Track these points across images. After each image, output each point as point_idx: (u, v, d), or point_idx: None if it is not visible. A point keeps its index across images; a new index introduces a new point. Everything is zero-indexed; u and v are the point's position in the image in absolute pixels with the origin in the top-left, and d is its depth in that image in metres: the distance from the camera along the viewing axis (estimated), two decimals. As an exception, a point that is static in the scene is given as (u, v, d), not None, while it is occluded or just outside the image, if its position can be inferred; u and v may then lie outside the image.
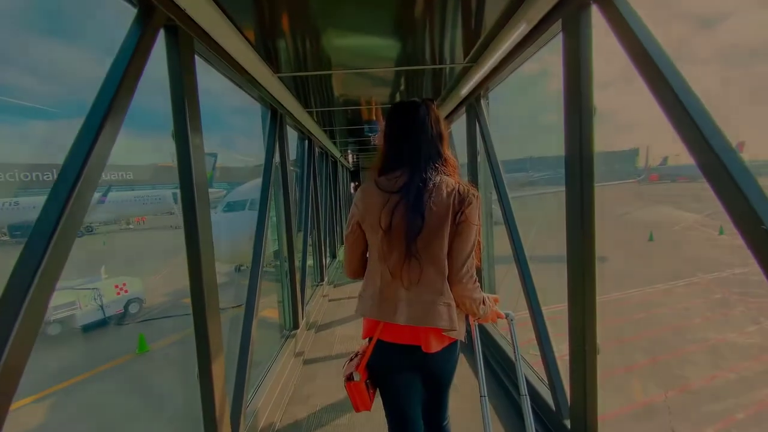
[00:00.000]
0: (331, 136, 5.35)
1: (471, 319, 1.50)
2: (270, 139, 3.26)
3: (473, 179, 3.49)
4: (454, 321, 1.30)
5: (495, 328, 3.48)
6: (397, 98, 3.69)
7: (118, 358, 8.60)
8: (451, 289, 1.31)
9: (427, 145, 1.35)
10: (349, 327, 4.61)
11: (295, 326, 3.76)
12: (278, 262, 3.79)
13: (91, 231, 29.71)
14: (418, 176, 1.30)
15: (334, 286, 6.48)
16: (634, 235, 17.86)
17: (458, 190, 1.29)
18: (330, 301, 5.63)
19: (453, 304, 1.31)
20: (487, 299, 1.42)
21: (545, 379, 2.30)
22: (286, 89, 3.01)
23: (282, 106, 3.32)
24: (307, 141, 4.54)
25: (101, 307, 10.66)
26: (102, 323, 10.48)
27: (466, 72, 2.79)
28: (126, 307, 11.03)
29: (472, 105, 3.36)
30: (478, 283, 1.34)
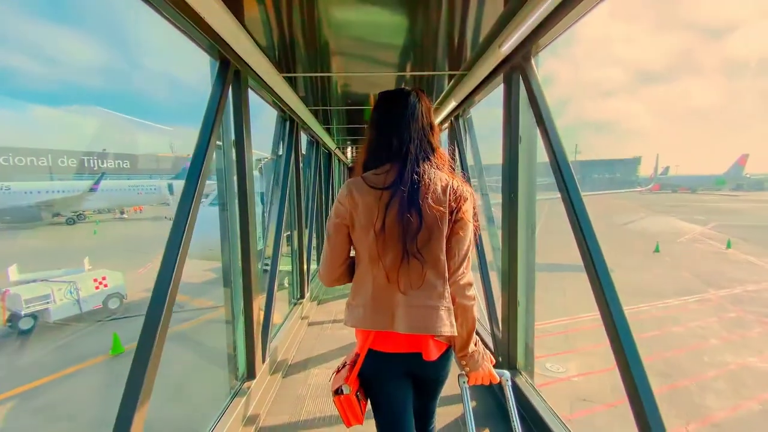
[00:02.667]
0: (326, 122, 4.66)
1: (463, 366, 1.32)
2: (285, 142, 3.50)
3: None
4: (455, 326, 1.23)
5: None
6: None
7: (89, 359, 8.01)
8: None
9: (419, 135, 1.26)
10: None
11: (250, 376, 2.41)
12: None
13: (83, 219, 29.26)
14: (410, 169, 1.20)
15: (318, 303, 5.04)
16: (639, 245, 17.41)
17: (453, 186, 1.21)
18: (310, 325, 4.15)
19: (452, 307, 1.23)
20: (481, 347, 1.32)
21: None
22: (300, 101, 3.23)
23: (297, 114, 3.48)
24: (288, 122, 3.57)
25: (77, 301, 10.06)
26: (78, 319, 9.87)
27: (455, 83, 2.88)
28: (105, 302, 10.44)
29: (452, 123, 3.67)
30: (474, 290, 1.27)
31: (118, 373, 7.41)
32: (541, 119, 1.76)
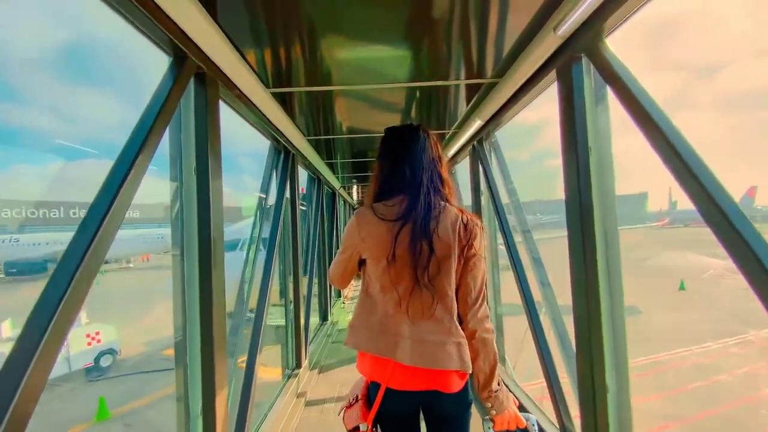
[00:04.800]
0: (328, 155, 4.12)
1: (488, 409, 1.24)
2: (278, 177, 3.05)
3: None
4: (466, 361, 1.18)
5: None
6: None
7: (70, 427, 7.20)
8: (464, 327, 1.22)
9: (429, 166, 1.28)
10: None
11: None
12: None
13: (88, 269, 28.94)
14: (421, 200, 1.21)
15: (320, 372, 3.89)
16: (661, 283, 16.50)
17: (462, 221, 1.22)
18: (308, 405, 3.20)
19: (464, 342, 1.20)
20: (504, 386, 1.27)
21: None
22: (294, 126, 2.76)
23: (293, 145, 3.04)
24: (283, 154, 3.11)
25: (67, 359, 9.40)
26: (66, 378, 9.16)
27: (482, 94, 2.40)
28: (97, 360, 9.75)
29: (476, 148, 3.13)
30: (492, 323, 1.26)
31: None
32: (644, 112, 1.22)
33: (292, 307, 3.25)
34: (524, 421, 1.26)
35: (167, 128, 1.35)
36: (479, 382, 1.23)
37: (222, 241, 1.63)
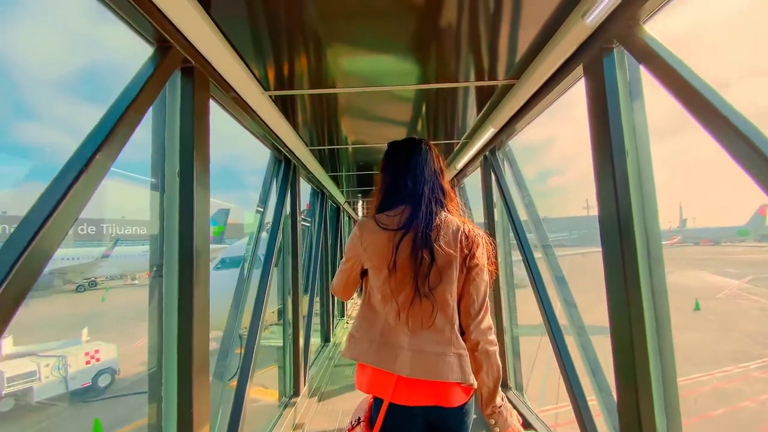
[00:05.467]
0: (333, 168, 3.91)
1: (492, 426, 1.23)
2: (278, 189, 2.85)
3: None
4: (468, 373, 1.15)
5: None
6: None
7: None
8: (466, 339, 1.20)
9: (431, 178, 1.30)
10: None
11: None
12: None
13: (94, 286, 28.95)
14: (422, 210, 1.22)
15: (320, 400, 3.55)
16: (675, 303, 15.90)
17: (464, 231, 1.22)
18: None
19: (465, 354, 1.17)
20: (507, 401, 1.25)
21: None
22: (295, 134, 2.60)
23: (294, 155, 2.88)
24: (283, 164, 2.95)
25: (64, 378, 9.15)
26: (63, 398, 8.90)
27: (496, 99, 2.21)
28: (95, 379, 9.48)
29: (488, 158, 2.93)
30: (495, 335, 1.23)
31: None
32: (707, 104, 1.03)
33: (290, 327, 3.01)
34: None
35: (139, 126, 1.18)
36: (482, 397, 1.21)
37: (207, 254, 1.43)
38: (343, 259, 1.32)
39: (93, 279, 28.93)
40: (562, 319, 2.12)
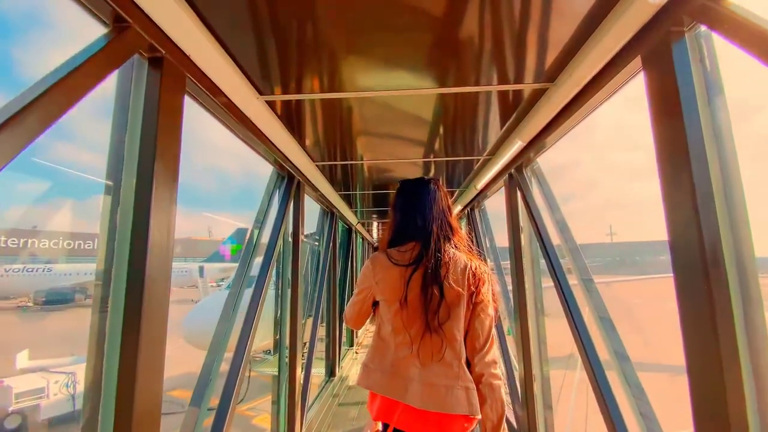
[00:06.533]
0: (345, 186, 3.64)
1: None
2: (278, 205, 2.62)
3: (516, 263, 2.79)
4: (474, 405, 1.19)
5: None
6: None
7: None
8: (471, 371, 1.25)
9: (441, 216, 1.37)
10: None
11: None
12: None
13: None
14: (432, 247, 1.29)
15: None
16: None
17: (471, 269, 1.28)
18: None
19: (472, 387, 1.22)
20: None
21: None
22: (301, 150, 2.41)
23: (299, 171, 2.66)
24: (286, 179, 2.68)
25: (72, 396, 9.00)
26: (70, 418, 8.73)
27: (527, 105, 1.91)
28: (101, 398, 9.27)
29: (514, 177, 2.66)
30: (500, 369, 1.27)
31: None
32: None
33: (287, 358, 2.65)
34: None
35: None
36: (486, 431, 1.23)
37: (168, 279, 1.15)
38: (356, 290, 1.41)
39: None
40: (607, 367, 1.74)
